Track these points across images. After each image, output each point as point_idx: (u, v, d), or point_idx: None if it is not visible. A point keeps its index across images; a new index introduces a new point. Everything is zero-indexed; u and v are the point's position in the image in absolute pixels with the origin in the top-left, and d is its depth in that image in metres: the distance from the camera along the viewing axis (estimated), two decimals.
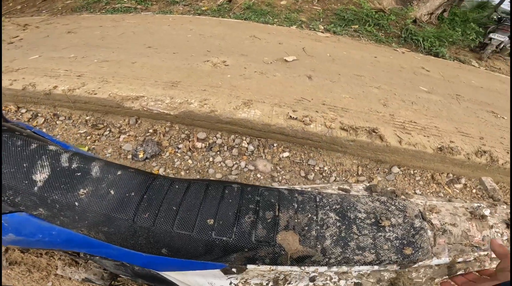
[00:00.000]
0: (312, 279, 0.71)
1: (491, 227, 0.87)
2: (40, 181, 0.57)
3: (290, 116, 1.77)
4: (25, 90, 1.89)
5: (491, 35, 3.59)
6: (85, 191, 0.58)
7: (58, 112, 1.92)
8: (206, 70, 2.14)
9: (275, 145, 1.86)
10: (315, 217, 0.67)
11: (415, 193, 1.75)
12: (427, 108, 2.20)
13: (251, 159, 1.78)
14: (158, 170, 1.65)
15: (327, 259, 0.65)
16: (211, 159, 1.73)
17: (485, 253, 0.81)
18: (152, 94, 1.84)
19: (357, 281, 0.72)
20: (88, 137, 1.80)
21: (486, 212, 0.92)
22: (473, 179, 1.93)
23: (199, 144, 1.77)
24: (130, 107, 1.81)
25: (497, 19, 4.01)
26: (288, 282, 0.71)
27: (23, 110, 1.95)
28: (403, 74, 2.69)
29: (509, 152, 1.98)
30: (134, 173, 0.64)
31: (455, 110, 2.28)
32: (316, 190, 0.77)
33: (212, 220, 0.61)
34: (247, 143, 1.82)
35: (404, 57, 3.17)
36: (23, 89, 1.88)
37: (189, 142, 1.79)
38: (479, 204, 0.94)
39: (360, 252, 0.66)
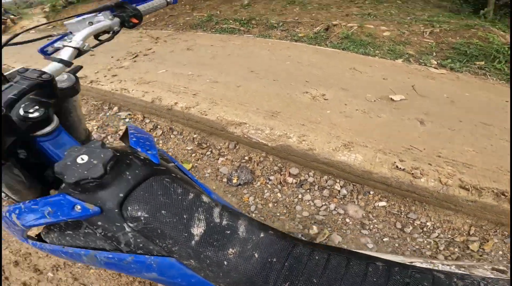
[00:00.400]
0: None
1: None
2: (197, 236, 0.60)
3: (397, 166, 1.58)
4: (153, 103, 2.25)
5: None
6: (233, 251, 0.59)
7: (173, 126, 2.22)
8: (305, 102, 2.14)
9: (371, 192, 1.69)
10: None
11: None
12: None
13: (341, 202, 1.66)
14: (248, 198, 1.69)
15: None
16: (300, 196, 1.69)
17: None
18: (254, 122, 1.93)
19: None
20: (193, 155, 2.00)
21: None
22: None
23: (290, 179, 1.76)
24: (233, 132, 1.94)
25: None
26: None
27: (147, 120, 2.32)
28: None
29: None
30: (275, 237, 0.63)
31: None
32: (480, 276, 0.61)
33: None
34: (340, 186, 1.71)
35: None
36: (151, 102, 2.25)
37: (281, 175, 1.79)
38: None
39: None
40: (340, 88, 2.33)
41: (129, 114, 2.40)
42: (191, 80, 2.51)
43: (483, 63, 3.02)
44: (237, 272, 0.58)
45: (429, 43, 3.51)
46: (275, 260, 0.60)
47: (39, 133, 0.56)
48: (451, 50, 3.34)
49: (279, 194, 1.70)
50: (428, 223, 1.58)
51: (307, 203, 1.66)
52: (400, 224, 1.57)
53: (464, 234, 1.53)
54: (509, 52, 3.06)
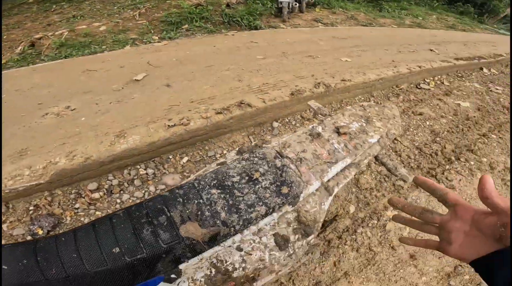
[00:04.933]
0: (240, 249, 0.83)
1: (328, 140, 1.19)
2: None
3: (168, 125, 1.81)
4: None
5: (279, 0, 4.60)
6: None
7: None
8: (51, 124, 1.84)
9: (170, 157, 1.87)
10: (201, 200, 0.78)
11: (270, 137, 2.20)
12: (269, 69, 2.70)
13: (156, 180, 1.74)
14: None
15: (232, 228, 0.77)
16: (118, 200, 1.60)
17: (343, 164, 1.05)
18: (3, 174, 1.46)
19: (273, 232, 0.88)
20: None
21: (319, 129, 1.23)
22: None
23: (96, 195, 1.59)
24: None
25: None
26: (223, 261, 0.81)
27: None
28: (241, 51, 3.14)
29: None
30: (10, 249, 0.60)
31: (287, 64, 2.89)
32: (193, 178, 0.88)
33: (117, 247, 0.64)
34: (144, 169, 1.76)
35: (235, 38, 3.67)
36: None
37: (83, 198, 1.57)
38: (312, 125, 1.23)
39: (252, 209, 0.81)
40: (82, 93, 2.17)
41: None
42: None
43: (187, 26, 3.82)
44: None
45: (144, 24, 3.90)
46: (23, 263, 0.60)
47: None
48: (162, 24, 3.92)
49: (98, 212, 1.52)
50: (224, 151, 1.99)
51: (130, 201, 1.61)
52: (208, 165, 1.88)
53: (249, 143, 2.09)
54: (197, 11, 4.05)
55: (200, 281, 0.73)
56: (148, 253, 0.66)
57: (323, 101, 2.55)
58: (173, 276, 0.71)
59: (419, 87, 3.61)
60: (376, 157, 1.23)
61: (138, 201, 1.62)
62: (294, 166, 0.99)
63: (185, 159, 1.89)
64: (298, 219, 0.95)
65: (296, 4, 4.88)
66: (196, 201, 0.79)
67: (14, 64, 2.92)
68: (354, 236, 1.95)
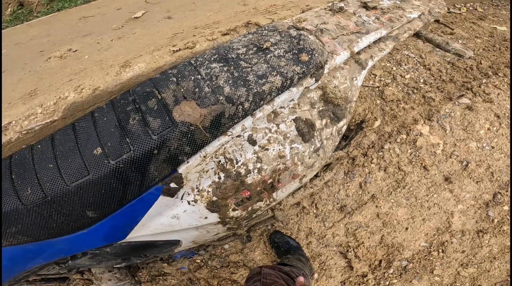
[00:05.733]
0: (252, 142, 0.66)
1: (354, 14, 1.02)
2: None
3: (173, 50, 1.68)
4: None
5: None
6: None
7: None
8: (55, 65, 1.77)
9: None
10: (199, 76, 0.62)
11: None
12: None
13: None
14: None
15: (240, 107, 0.59)
16: None
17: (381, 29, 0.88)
18: (18, 115, 1.43)
19: (293, 117, 0.71)
20: None
21: (341, 5, 1.06)
22: None
23: None
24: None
25: None
26: (233, 160, 0.64)
27: None
28: None
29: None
30: None
31: None
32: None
33: (99, 148, 0.51)
34: None
35: None
36: None
37: None
38: (332, 2, 1.06)
39: (264, 80, 0.62)
40: (82, 36, 2.06)
41: None
42: None
43: None
44: None
45: None
46: None
47: None
48: None
49: None
50: None
51: None
52: None
53: None
54: None
55: (208, 191, 0.58)
56: (136, 150, 0.51)
57: None
58: (173, 185, 0.57)
59: (448, 11, 3.20)
60: (417, 35, 1.06)
61: None
62: (313, 37, 0.80)
63: None
64: (324, 97, 0.79)
65: None
66: (193, 78, 0.62)
67: (8, 24, 2.82)
68: (381, 153, 1.82)
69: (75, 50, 1.87)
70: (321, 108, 0.78)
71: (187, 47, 1.70)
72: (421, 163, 1.85)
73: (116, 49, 1.79)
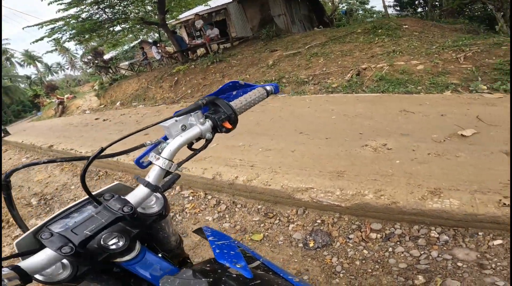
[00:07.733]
0: None
1: None
2: None
3: (504, 204, 1.38)
4: (214, 179, 2.31)
5: None
6: None
7: (235, 200, 2.22)
8: (368, 156, 2.05)
9: (479, 233, 1.48)
10: None
11: None
12: None
13: (445, 248, 1.48)
14: (330, 259, 1.56)
15: None
16: (390, 249, 1.55)
17: None
18: (321, 186, 1.86)
19: None
20: (262, 225, 1.94)
21: None
22: None
23: (373, 235, 1.62)
24: (300, 199, 1.88)
25: None
26: None
27: (209, 196, 2.36)
28: None
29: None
30: None
31: None
32: None
33: None
34: (438, 233, 1.56)
35: None
36: (212, 178, 2.32)
37: (361, 232, 1.66)
38: None
39: None
40: (399, 134, 2.24)
41: (192, 192, 2.47)
42: (244, 151, 2.59)
43: None
44: None
45: (469, 69, 3.39)
46: None
47: (118, 260, 0.52)
48: (495, 72, 3.18)
49: (365, 251, 1.55)
50: None
51: (402, 255, 1.49)
52: None
53: None
54: None
55: None
56: None
57: None
58: None
59: None
60: None
61: (410, 258, 1.45)
62: None
63: (498, 241, 1.41)
64: None
65: None
66: None
67: (342, 89, 3.69)
68: None
69: (390, 148, 2.07)
70: None
71: None
72: None
73: (431, 168, 1.76)
